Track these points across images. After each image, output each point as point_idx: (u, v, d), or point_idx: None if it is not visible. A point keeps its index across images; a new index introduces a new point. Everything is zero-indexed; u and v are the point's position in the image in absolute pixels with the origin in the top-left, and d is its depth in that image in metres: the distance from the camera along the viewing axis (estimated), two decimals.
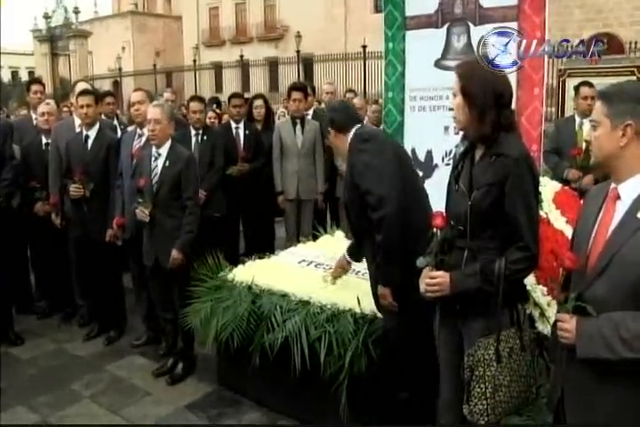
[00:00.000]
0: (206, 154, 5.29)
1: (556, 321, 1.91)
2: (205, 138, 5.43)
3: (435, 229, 2.31)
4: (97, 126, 4.57)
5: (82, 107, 4.47)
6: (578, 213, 2.07)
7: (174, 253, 3.76)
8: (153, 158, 3.91)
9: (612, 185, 1.88)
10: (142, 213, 3.83)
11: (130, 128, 5.04)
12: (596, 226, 1.87)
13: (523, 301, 2.34)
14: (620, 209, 1.82)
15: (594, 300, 1.78)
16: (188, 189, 3.86)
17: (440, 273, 2.26)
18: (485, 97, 2.23)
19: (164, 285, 3.97)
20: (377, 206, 2.70)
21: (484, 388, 2.14)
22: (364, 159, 2.80)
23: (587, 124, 5.09)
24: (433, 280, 2.27)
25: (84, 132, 4.56)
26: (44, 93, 5.80)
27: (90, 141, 4.53)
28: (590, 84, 5.45)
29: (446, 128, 4.12)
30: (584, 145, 4.94)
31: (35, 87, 5.68)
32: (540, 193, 2.31)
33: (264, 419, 3.50)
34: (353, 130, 2.98)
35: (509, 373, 2.15)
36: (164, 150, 3.90)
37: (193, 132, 5.40)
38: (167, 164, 3.87)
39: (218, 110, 7.48)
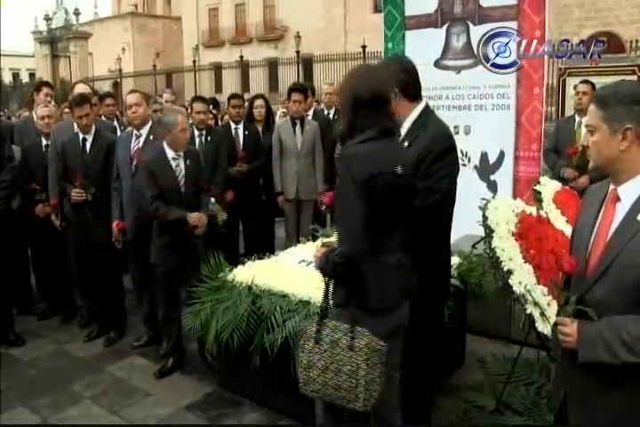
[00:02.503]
0: (210, 155, 5.27)
1: (556, 323, 1.90)
2: (209, 138, 5.42)
3: None
4: (93, 128, 4.56)
5: (80, 117, 4.45)
6: (577, 213, 2.06)
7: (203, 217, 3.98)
8: (174, 162, 3.96)
9: (612, 186, 1.85)
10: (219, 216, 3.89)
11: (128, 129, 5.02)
12: (596, 228, 1.85)
13: (361, 306, 2.31)
14: (620, 211, 1.80)
15: (594, 303, 1.77)
16: (200, 182, 4.13)
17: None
18: (346, 100, 2.33)
19: (175, 284, 4.03)
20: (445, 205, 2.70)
21: (300, 358, 2.34)
22: (447, 170, 2.65)
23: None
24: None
25: (81, 135, 4.54)
26: (53, 97, 5.84)
27: (88, 144, 4.52)
28: (588, 82, 5.46)
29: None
30: (581, 145, 4.95)
31: (46, 90, 5.73)
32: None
33: (264, 419, 3.50)
34: (422, 104, 2.79)
35: (324, 358, 2.27)
36: (181, 151, 4.00)
37: (196, 132, 5.38)
38: (188, 162, 3.99)
39: (215, 111, 7.46)
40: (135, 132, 4.46)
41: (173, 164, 3.95)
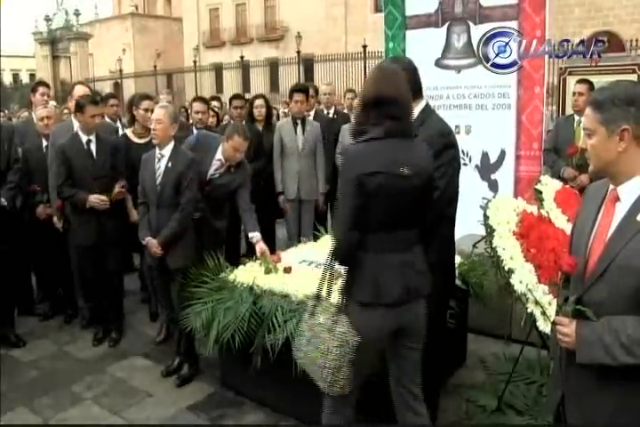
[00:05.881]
0: None
1: (554, 322, 1.90)
2: None
3: None
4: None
5: (93, 117, 4.41)
6: (576, 212, 2.05)
7: (154, 245, 3.87)
8: (157, 160, 3.94)
9: (611, 186, 1.84)
10: None
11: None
12: (595, 228, 1.84)
13: (354, 299, 2.37)
14: (620, 211, 1.78)
15: (592, 304, 1.76)
16: (186, 190, 3.91)
17: None
18: (358, 102, 2.50)
19: (165, 284, 4.02)
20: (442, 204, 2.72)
21: (300, 325, 2.51)
22: (444, 169, 2.69)
23: None
24: None
25: (85, 137, 4.45)
26: (50, 96, 5.80)
27: (93, 146, 4.45)
28: (584, 81, 5.43)
29: None
30: (580, 148, 4.92)
31: (42, 89, 5.66)
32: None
33: (265, 420, 3.49)
34: (422, 103, 2.83)
35: (311, 331, 2.38)
36: (167, 151, 3.93)
37: (195, 132, 5.38)
38: (170, 165, 3.91)
39: (218, 104, 7.40)
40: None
41: (155, 162, 3.96)
